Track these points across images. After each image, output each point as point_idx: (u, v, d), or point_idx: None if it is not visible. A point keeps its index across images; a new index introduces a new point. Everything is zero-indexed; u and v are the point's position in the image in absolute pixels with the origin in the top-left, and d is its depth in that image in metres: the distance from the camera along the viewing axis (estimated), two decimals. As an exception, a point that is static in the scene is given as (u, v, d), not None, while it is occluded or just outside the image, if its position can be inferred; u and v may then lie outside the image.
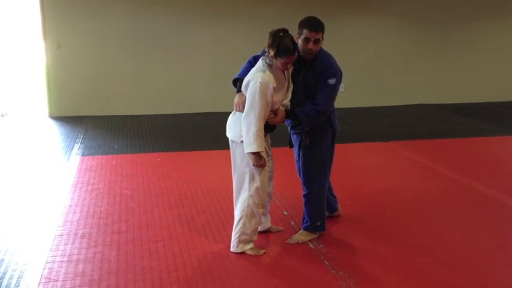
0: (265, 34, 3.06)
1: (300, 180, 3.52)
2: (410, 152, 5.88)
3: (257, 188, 3.18)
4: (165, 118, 7.94)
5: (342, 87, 3.53)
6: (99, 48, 8.01)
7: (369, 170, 5.27)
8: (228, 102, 3.34)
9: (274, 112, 3.19)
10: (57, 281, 2.92)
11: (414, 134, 6.97)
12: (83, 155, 5.72)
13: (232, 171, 3.33)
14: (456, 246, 3.42)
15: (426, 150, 5.96)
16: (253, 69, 3.16)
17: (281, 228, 3.66)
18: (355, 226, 3.75)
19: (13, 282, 2.91)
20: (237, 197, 3.30)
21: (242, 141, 3.12)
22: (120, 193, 4.43)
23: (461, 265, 3.16)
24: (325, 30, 3.22)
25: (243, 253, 3.24)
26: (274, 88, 3.08)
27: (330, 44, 3.68)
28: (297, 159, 3.55)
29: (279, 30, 3.05)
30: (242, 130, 3.10)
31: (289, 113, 3.27)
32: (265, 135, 3.22)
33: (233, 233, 3.28)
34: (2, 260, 3.19)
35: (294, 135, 3.50)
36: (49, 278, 2.95)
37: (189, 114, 8.25)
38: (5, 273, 3.01)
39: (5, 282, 2.90)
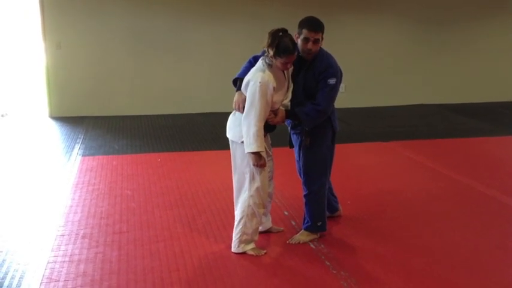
0: (265, 34, 3.07)
1: (301, 180, 3.52)
2: (410, 152, 5.88)
3: (257, 188, 3.18)
4: (165, 118, 7.95)
5: (342, 87, 3.54)
6: (99, 48, 8.01)
7: (369, 170, 5.27)
8: (228, 102, 3.35)
9: (274, 112, 3.20)
10: (58, 281, 2.93)
11: (414, 134, 6.98)
12: (84, 155, 5.72)
13: (233, 172, 3.33)
14: (456, 246, 3.43)
15: (426, 150, 5.97)
16: (253, 69, 3.16)
17: (282, 228, 3.67)
18: (355, 226, 3.75)
19: (15, 282, 2.92)
20: (238, 197, 3.31)
21: (242, 142, 3.13)
22: (120, 193, 4.44)
23: (461, 265, 3.16)
24: (325, 30, 3.22)
25: (244, 253, 3.25)
26: (274, 88, 3.08)
27: (330, 44, 3.69)
28: (297, 159, 3.55)
29: (279, 30, 3.05)
30: (242, 130, 3.11)
31: (289, 113, 3.28)
32: (265, 135, 3.23)
33: (234, 233, 3.28)
34: (4, 260, 3.19)
35: (294, 135, 3.51)
36: (50, 278, 2.96)
37: (189, 114, 8.25)
38: (6, 273, 3.02)
39: (6, 283, 2.91)
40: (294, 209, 4.04)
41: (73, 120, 7.69)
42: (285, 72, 3.21)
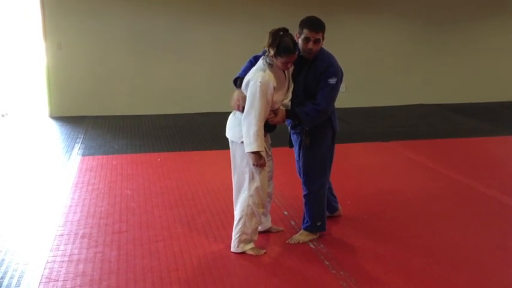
0: (266, 34, 3.06)
1: (300, 180, 3.52)
2: (410, 152, 5.88)
3: (257, 188, 3.18)
4: (165, 118, 7.95)
5: (342, 87, 3.53)
6: (100, 48, 8.02)
7: (369, 170, 5.27)
8: (228, 102, 3.34)
9: (275, 112, 3.19)
10: (57, 281, 2.92)
11: (414, 134, 6.98)
12: (84, 155, 5.72)
13: (232, 171, 3.33)
14: (456, 246, 3.42)
15: (426, 150, 5.96)
16: (254, 69, 3.16)
17: (281, 228, 3.66)
18: (355, 226, 3.75)
19: (14, 282, 2.91)
20: (237, 197, 3.31)
21: (242, 142, 3.12)
22: (120, 193, 4.43)
23: (461, 265, 3.16)
24: (325, 30, 3.22)
25: (243, 253, 3.24)
26: (274, 87, 3.08)
27: (330, 44, 3.68)
28: (297, 159, 3.55)
29: (279, 30, 3.05)
30: (242, 130, 3.10)
31: (289, 113, 3.27)
32: (265, 135, 3.22)
33: (233, 233, 3.28)
34: (3, 260, 3.19)
35: (294, 135, 3.50)
36: (50, 278, 2.95)
37: (189, 114, 8.26)
38: (5, 273, 3.02)
39: (5, 282, 2.91)
40: (294, 209, 4.04)
41: (73, 120, 7.69)
42: (286, 72, 3.21)
